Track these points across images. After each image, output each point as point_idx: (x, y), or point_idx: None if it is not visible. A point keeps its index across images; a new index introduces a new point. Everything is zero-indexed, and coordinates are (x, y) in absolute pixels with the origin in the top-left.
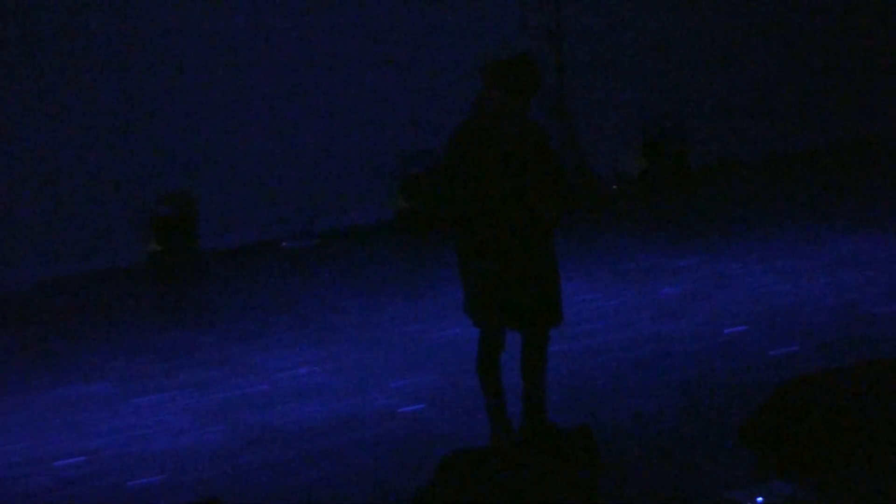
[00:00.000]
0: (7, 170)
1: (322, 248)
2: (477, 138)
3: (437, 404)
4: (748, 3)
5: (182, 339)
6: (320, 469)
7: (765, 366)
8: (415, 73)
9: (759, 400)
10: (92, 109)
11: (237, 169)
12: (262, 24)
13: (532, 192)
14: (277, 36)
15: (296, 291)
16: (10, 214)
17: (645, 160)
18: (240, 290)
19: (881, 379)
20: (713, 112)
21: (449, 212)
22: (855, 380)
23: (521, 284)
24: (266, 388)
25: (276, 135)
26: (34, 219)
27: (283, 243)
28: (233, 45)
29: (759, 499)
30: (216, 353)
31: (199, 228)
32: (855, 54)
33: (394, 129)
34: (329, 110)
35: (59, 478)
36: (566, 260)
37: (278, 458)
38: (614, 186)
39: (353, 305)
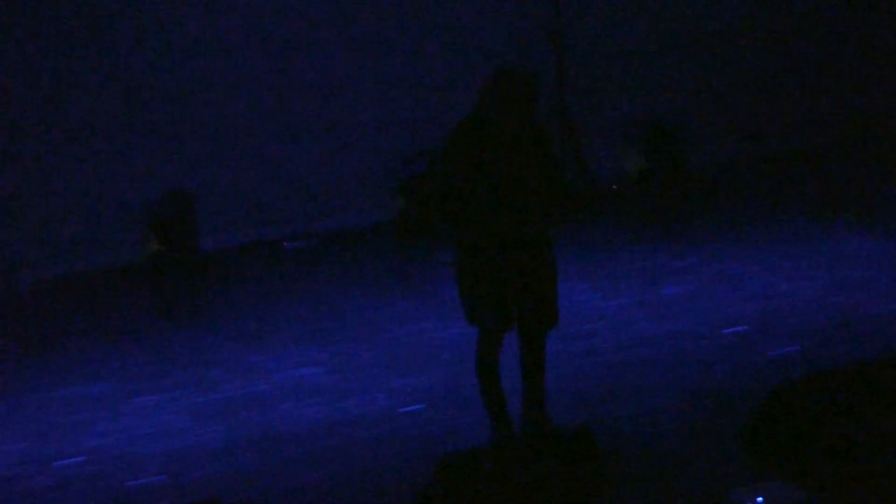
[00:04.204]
0: (7, 169)
1: (322, 248)
2: (476, 138)
3: (437, 404)
4: (748, 4)
5: (182, 339)
6: (320, 469)
7: (765, 366)
8: (415, 74)
9: (759, 400)
10: (92, 109)
11: (237, 169)
12: (262, 24)
13: (532, 191)
14: (277, 36)
15: (296, 291)
16: (10, 214)
17: (645, 160)
18: (240, 290)
19: (881, 379)
20: (713, 112)
21: (446, 211)
22: (855, 380)
23: (520, 284)
24: (266, 388)
25: (276, 134)
26: (34, 219)
27: (284, 243)
28: (233, 45)
29: (759, 499)
30: (216, 353)
31: (199, 228)
32: (854, 54)
33: (394, 130)
34: (329, 110)
35: (59, 478)
36: (566, 260)
37: (278, 458)
38: (614, 186)
39: (352, 305)
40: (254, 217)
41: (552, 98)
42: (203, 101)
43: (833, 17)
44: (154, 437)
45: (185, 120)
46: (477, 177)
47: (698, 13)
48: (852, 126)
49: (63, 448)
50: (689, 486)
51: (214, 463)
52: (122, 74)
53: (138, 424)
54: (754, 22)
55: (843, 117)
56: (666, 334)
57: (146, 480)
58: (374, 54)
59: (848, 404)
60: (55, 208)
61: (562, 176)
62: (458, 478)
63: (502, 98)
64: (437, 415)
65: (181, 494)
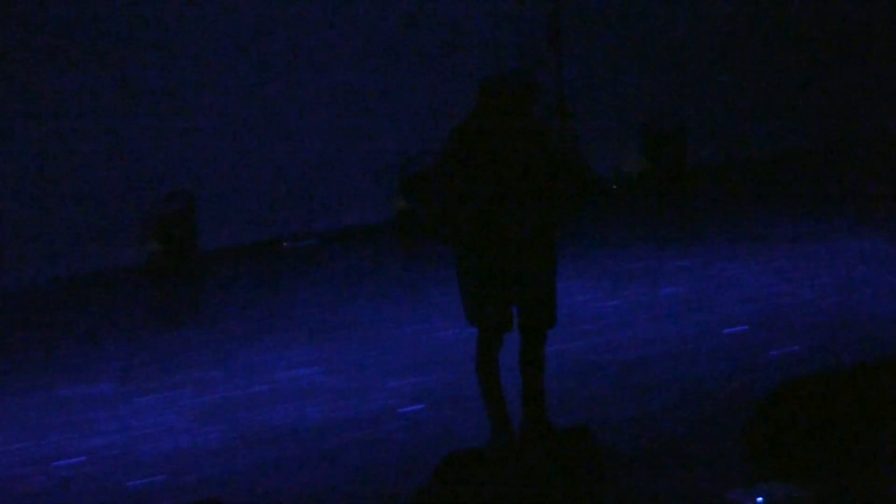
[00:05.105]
0: (7, 170)
1: (322, 248)
2: (474, 142)
3: (437, 404)
4: (748, 4)
5: (182, 339)
6: (320, 469)
7: (765, 366)
8: (415, 74)
9: (759, 400)
10: (92, 109)
11: (237, 169)
12: (262, 24)
13: (532, 192)
14: (277, 36)
15: (296, 291)
16: (10, 214)
17: (645, 160)
18: (240, 290)
19: (881, 379)
20: (713, 112)
21: (446, 213)
22: (855, 380)
23: (520, 284)
24: (266, 388)
25: (276, 135)
26: (34, 219)
27: (284, 243)
28: (233, 45)
29: (759, 499)
30: (216, 353)
31: (199, 228)
32: (854, 53)
33: (394, 129)
34: (329, 110)
35: (59, 478)
36: (566, 260)
37: (278, 458)
38: (614, 186)
39: (352, 305)
40: (254, 217)
41: (552, 98)
42: (203, 101)
43: (833, 17)
44: (154, 437)
45: (185, 120)
46: (475, 180)
47: (699, 13)
48: (852, 126)
49: (63, 448)
50: (689, 486)
51: (214, 463)
52: (121, 74)
53: (138, 424)
54: (754, 22)
55: (843, 117)
56: (666, 334)
57: (146, 480)
58: (374, 55)
59: (848, 404)
60: (55, 208)
61: (569, 168)
62: (458, 478)
63: (497, 103)
64: (436, 415)
65: (181, 494)
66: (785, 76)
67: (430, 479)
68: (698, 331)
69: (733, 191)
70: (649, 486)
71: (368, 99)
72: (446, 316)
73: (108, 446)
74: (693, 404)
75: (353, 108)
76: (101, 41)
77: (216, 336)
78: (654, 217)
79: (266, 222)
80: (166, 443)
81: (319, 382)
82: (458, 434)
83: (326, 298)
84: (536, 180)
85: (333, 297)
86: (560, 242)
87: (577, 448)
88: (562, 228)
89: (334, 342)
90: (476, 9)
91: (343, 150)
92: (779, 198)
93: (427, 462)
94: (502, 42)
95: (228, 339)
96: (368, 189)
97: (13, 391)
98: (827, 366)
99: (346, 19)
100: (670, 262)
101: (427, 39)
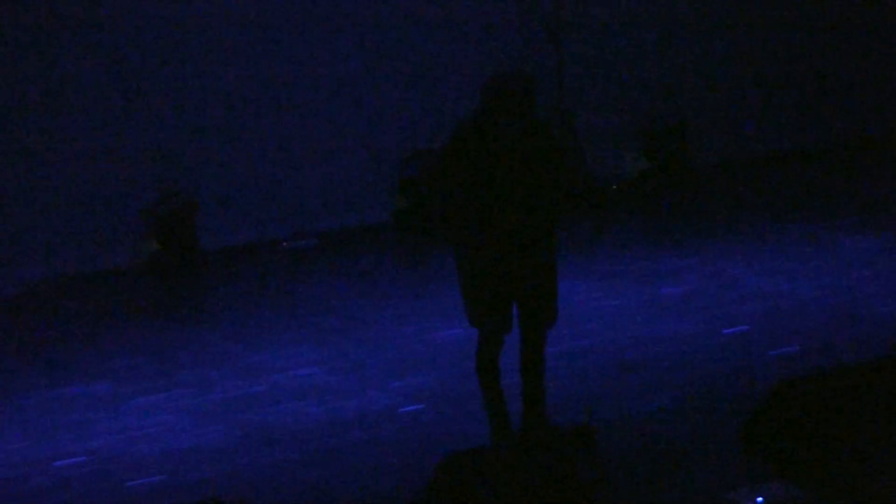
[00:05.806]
0: (6, 169)
1: (322, 248)
2: (476, 141)
3: (437, 404)
4: (748, 4)
5: (182, 339)
6: (320, 469)
7: (765, 366)
8: (415, 73)
9: (759, 400)
10: (91, 109)
11: (237, 169)
12: (262, 23)
13: (534, 192)
14: (277, 36)
15: (296, 291)
16: (11, 214)
17: (645, 160)
18: (240, 290)
19: (881, 379)
20: (713, 112)
21: (445, 213)
22: (855, 380)
23: (521, 283)
24: (266, 388)
25: (276, 135)
26: (34, 219)
27: (283, 243)
28: (233, 45)
29: (759, 499)
30: (216, 353)
31: (199, 228)
32: (854, 54)
33: (394, 129)
34: (329, 110)
35: (59, 478)
36: (566, 260)
37: (278, 458)
38: (614, 186)
39: (353, 305)
40: (254, 217)
41: (552, 98)
42: (203, 102)
43: (833, 17)
44: (154, 437)
45: (185, 120)
46: (477, 179)
47: (699, 13)
48: (852, 126)
49: (63, 448)
50: (689, 486)
51: (214, 463)
52: (122, 74)
53: (138, 424)
54: (755, 22)
55: (843, 117)
56: (666, 334)
57: (146, 480)
58: (374, 54)
59: (848, 404)
60: (55, 208)
61: (574, 169)
62: (458, 478)
63: (498, 102)
64: (437, 415)
65: (181, 494)
66: (785, 76)
67: (430, 479)
68: (698, 331)
69: (733, 190)
70: (649, 486)
71: (368, 99)
72: (446, 316)
73: (108, 446)
74: (693, 404)
75: (353, 108)
76: (101, 40)
77: (216, 336)
78: (654, 217)
79: (266, 222)
80: (166, 443)
81: (319, 382)
82: (458, 434)
83: (326, 298)
84: (537, 178)
85: (333, 297)
86: (561, 242)
87: (578, 448)
88: (562, 227)
89: (334, 342)
90: (476, 9)
91: (343, 150)
92: (779, 197)
93: (427, 462)
94: (502, 42)
95: (228, 339)
96: (368, 189)
97: (13, 391)
98: (827, 366)
99: (347, 19)
100: (670, 262)
101: (427, 39)
